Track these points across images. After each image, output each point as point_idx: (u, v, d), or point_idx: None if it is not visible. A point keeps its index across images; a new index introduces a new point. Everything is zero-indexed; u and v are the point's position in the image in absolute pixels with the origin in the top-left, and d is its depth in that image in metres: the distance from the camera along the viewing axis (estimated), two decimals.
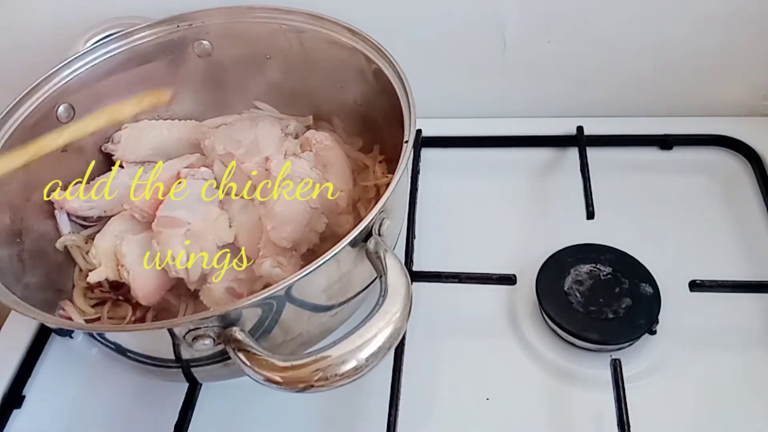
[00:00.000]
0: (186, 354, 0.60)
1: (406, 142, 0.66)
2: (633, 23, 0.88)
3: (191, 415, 0.70)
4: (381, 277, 0.58)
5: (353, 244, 0.59)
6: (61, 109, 0.79)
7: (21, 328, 0.81)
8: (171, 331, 0.56)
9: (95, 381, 0.78)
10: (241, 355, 0.53)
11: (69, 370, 0.79)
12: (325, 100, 0.88)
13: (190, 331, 0.55)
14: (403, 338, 0.72)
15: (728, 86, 0.93)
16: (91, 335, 0.62)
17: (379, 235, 0.62)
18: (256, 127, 0.81)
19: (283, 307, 0.59)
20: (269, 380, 0.52)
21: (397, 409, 0.67)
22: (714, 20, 0.87)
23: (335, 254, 0.57)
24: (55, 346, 0.81)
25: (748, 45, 0.89)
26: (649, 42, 0.90)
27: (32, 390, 0.78)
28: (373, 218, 0.60)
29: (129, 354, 0.62)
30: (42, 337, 0.81)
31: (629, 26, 0.88)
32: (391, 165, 0.65)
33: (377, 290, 0.58)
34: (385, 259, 0.59)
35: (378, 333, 0.52)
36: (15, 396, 0.76)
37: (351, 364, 0.51)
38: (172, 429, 0.69)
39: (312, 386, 0.51)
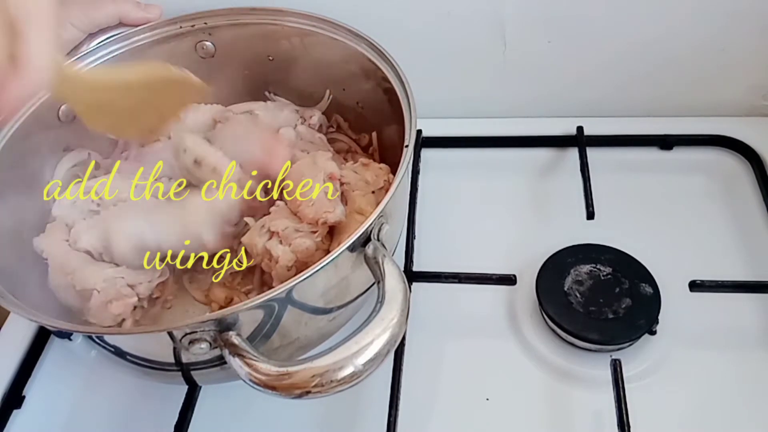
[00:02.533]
0: (185, 357, 0.59)
1: (407, 146, 0.66)
2: (633, 23, 0.87)
3: (190, 417, 0.70)
4: (379, 282, 0.58)
5: (352, 248, 0.59)
6: (63, 109, 0.79)
7: (21, 329, 0.81)
8: (171, 335, 0.56)
9: (95, 382, 0.78)
10: (236, 359, 0.53)
11: (69, 371, 0.79)
12: (330, 104, 0.88)
13: (186, 334, 0.55)
14: (403, 339, 0.71)
15: (728, 86, 0.93)
16: (90, 338, 0.62)
17: (378, 240, 0.61)
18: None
19: (281, 311, 0.58)
20: (265, 386, 0.51)
21: (397, 410, 0.67)
22: (714, 20, 0.86)
23: (334, 258, 0.56)
24: (55, 346, 0.81)
25: (748, 45, 0.88)
26: (650, 42, 0.89)
27: (32, 390, 0.78)
28: (372, 223, 0.60)
29: (128, 357, 0.62)
30: (42, 337, 0.81)
31: (629, 26, 0.88)
32: (392, 166, 0.65)
33: (376, 295, 0.57)
34: (383, 264, 0.58)
35: (375, 339, 0.52)
36: (15, 396, 0.76)
37: (348, 371, 0.51)
38: (172, 431, 0.69)
39: (308, 392, 0.51)
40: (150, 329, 0.61)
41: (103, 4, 0.81)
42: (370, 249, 0.60)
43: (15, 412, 0.75)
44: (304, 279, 0.55)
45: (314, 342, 0.66)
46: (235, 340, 0.54)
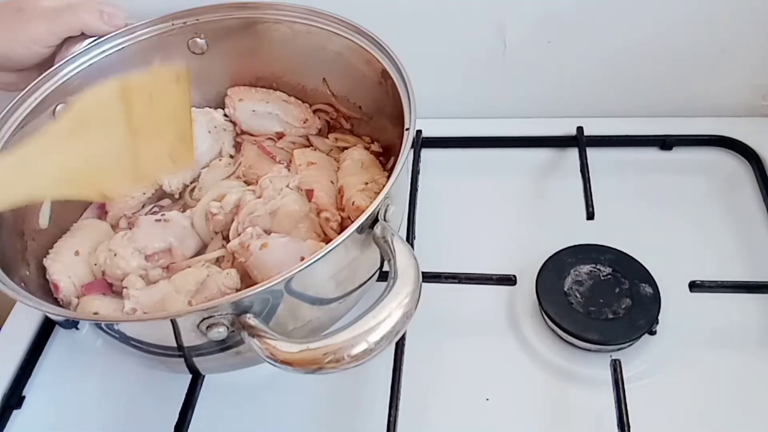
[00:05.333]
0: (189, 343, 0.62)
1: (407, 129, 0.69)
2: (633, 23, 0.91)
3: (192, 411, 0.73)
4: (390, 260, 0.61)
5: (360, 230, 0.63)
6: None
7: (21, 329, 0.84)
8: (173, 322, 0.60)
9: (95, 382, 0.81)
10: (256, 340, 0.56)
11: (69, 371, 0.82)
12: (323, 96, 0.92)
13: (204, 319, 0.58)
14: (404, 338, 0.74)
15: (728, 86, 0.97)
16: (98, 326, 0.65)
17: (386, 220, 0.65)
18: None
19: (294, 294, 0.62)
20: (284, 362, 0.55)
21: (397, 409, 0.69)
22: (714, 20, 0.90)
23: (343, 240, 0.60)
24: (54, 347, 0.84)
25: (748, 45, 0.92)
26: (649, 42, 0.93)
27: (32, 390, 0.80)
28: (378, 204, 0.63)
29: (132, 342, 0.65)
30: (42, 337, 0.84)
31: (629, 26, 0.91)
32: (394, 159, 0.69)
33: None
34: (392, 243, 0.62)
35: (390, 314, 0.56)
36: (15, 396, 0.79)
37: (362, 347, 0.54)
38: (174, 425, 0.72)
39: (322, 368, 0.54)
40: (163, 315, 0.64)
41: (64, 16, 0.84)
42: (378, 229, 0.64)
43: (15, 412, 0.78)
44: (316, 261, 0.59)
45: (325, 324, 0.69)
46: (252, 321, 0.57)
